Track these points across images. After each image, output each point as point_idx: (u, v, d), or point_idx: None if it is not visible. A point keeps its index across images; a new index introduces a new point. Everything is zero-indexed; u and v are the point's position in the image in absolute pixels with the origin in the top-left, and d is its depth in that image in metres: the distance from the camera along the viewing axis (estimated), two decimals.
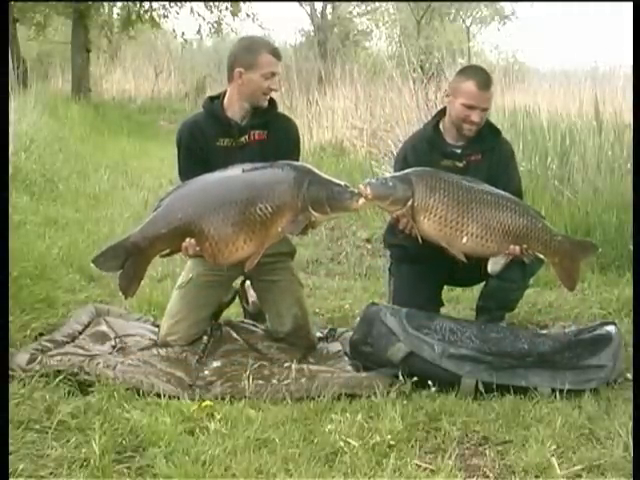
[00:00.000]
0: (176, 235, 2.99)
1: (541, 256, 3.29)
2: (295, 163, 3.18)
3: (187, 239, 2.98)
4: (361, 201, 3.03)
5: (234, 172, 3.08)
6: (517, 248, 3.18)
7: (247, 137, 3.32)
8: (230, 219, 2.97)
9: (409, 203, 3.13)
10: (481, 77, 3.42)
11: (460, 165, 3.42)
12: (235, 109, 3.33)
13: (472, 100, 3.38)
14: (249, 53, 3.28)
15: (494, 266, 3.22)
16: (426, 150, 3.46)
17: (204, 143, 3.31)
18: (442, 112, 3.56)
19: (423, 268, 3.49)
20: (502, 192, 3.26)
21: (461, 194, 3.16)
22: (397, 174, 3.25)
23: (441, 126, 3.53)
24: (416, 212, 3.14)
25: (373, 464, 2.37)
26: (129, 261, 3.00)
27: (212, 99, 3.44)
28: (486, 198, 3.19)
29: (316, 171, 3.10)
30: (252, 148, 3.31)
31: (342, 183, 3.07)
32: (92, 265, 3.10)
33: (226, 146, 3.31)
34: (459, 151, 3.48)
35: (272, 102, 3.38)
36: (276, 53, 3.31)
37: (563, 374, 2.97)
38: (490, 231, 3.15)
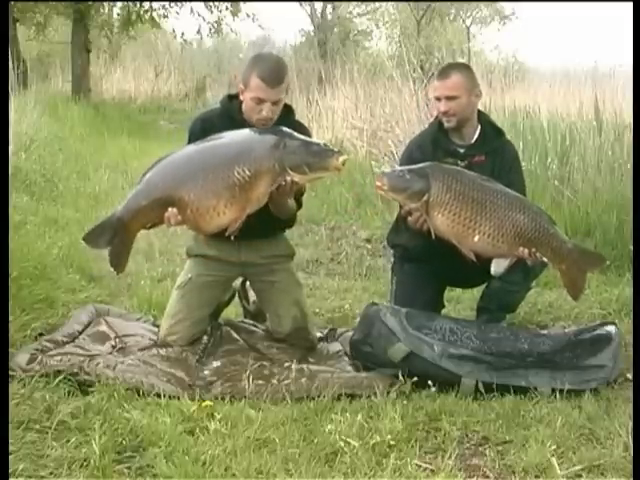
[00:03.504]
0: (157, 205, 2.99)
1: (546, 261, 3.24)
2: (275, 127, 3.13)
3: (169, 209, 2.97)
4: (342, 158, 2.95)
5: (213, 140, 3.07)
6: (526, 251, 3.14)
7: None
8: (209, 184, 2.95)
9: (424, 198, 3.09)
10: (442, 71, 3.53)
11: (462, 164, 3.39)
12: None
13: (436, 92, 3.49)
14: (247, 71, 3.19)
15: (497, 268, 3.19)
16: (430, 148, 3.46)
17: None
18: None
19: (426, 268, 3.48)
20: (517, 194, 3.23)
21: (477, 192, 3.13)
22: (413, 167, 3.18)
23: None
24: (430, 207, 3.10)
25: (373, 464, 2.36)
26: (116, 237, 3.02)
27: (231, 98, 3.35)
28: (501, 198, 3.15)
29: (294, 133, 3.05)
30: None
31: (321, 142, 3.04)
32: (82, 242, 3.16)
33: None
34: (462, 150, 3.47)
35: (289, 109, 3.33)
36: (268, 79, 3.11)
37: (563, 374, 2.97)
38: (502, 232, 3.12)
